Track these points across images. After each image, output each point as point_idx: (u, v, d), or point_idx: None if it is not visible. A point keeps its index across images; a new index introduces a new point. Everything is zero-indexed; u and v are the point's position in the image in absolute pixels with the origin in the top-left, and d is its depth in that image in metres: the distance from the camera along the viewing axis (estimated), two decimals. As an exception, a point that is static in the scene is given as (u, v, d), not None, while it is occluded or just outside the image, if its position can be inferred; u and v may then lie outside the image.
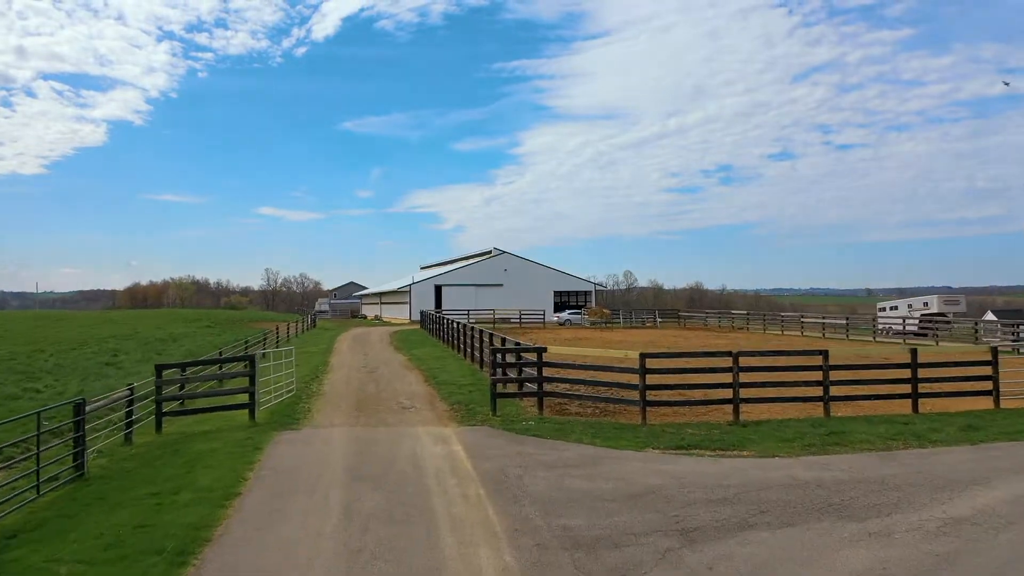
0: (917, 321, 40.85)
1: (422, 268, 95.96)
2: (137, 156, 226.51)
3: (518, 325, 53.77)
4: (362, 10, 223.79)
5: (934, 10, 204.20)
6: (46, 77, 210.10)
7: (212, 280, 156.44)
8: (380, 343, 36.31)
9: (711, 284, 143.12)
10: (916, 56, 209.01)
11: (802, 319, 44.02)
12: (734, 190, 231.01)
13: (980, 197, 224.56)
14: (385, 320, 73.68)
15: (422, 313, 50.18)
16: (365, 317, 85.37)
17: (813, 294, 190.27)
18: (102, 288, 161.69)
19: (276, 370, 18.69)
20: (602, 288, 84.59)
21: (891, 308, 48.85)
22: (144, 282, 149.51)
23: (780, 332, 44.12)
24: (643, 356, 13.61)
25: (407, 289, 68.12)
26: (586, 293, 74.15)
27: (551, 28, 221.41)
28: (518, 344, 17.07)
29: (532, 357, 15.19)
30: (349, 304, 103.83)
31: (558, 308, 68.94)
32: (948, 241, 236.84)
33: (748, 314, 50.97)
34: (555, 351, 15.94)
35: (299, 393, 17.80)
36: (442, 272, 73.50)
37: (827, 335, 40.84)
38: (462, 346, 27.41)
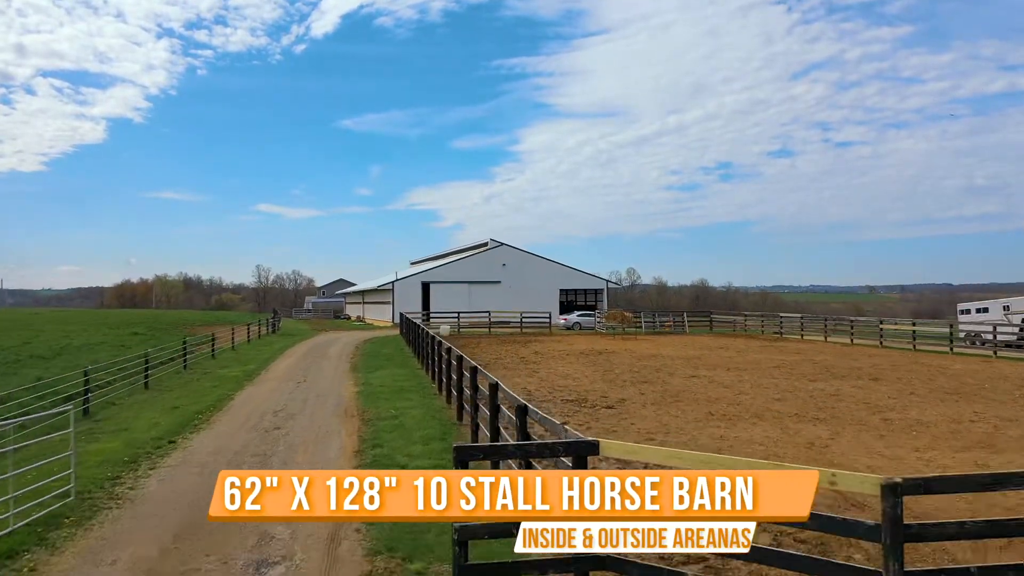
0: (1018, 328, 32.02)
1: (412, 263, 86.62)
2: (136, 154, 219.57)
3: (519, 330, 44.94)
4: (361, 7, 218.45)
5: (933, 7, 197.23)
6: (45, 74, 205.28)
7: (205, 277, 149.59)
8: (336, 359, 27.26)
9: (713, 281, 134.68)
10: (915, 53, 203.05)
11: (880, 326, 34.71)
12: (734, 187, 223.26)
13: (979, 194, 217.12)
14: (368, 322, 64.48)
15: (402, 316, 41.16)
16: (349, 318, 76.21)
17: (813, 291, 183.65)
18: (99, 286, 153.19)
19: (90, 437, 9.75)
20: (615, 286, 75.31)
21: (978, 310, 39.69)
22: (135, 279, 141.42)
23: (849, 341, 35.04)
24: (898, 489, 4.59)
25: (389, 287, 58.89)
26: (596, 291, 64.83)
27: (551, 25, 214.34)
28: (524, 427, 7.84)
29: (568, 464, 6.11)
30: (332, 303, 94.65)
31: (565, 309, 59.57)
32: (947, 238, 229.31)
33: (801, 318, 41.59)
34: (621, 450, 6.36)
35: (78, 502, 8.74)
36: (431, 268, 64.20)
37: (918, 346, 31.79)
38: (436, 371, 18.50)
